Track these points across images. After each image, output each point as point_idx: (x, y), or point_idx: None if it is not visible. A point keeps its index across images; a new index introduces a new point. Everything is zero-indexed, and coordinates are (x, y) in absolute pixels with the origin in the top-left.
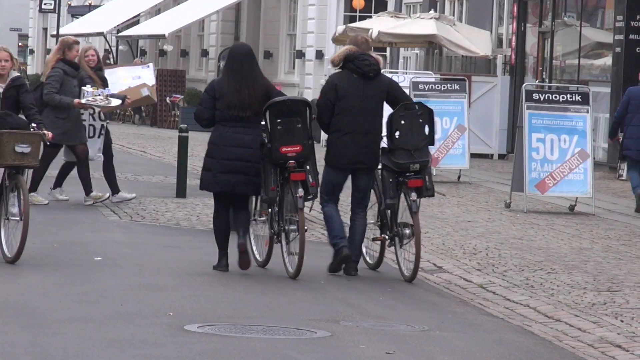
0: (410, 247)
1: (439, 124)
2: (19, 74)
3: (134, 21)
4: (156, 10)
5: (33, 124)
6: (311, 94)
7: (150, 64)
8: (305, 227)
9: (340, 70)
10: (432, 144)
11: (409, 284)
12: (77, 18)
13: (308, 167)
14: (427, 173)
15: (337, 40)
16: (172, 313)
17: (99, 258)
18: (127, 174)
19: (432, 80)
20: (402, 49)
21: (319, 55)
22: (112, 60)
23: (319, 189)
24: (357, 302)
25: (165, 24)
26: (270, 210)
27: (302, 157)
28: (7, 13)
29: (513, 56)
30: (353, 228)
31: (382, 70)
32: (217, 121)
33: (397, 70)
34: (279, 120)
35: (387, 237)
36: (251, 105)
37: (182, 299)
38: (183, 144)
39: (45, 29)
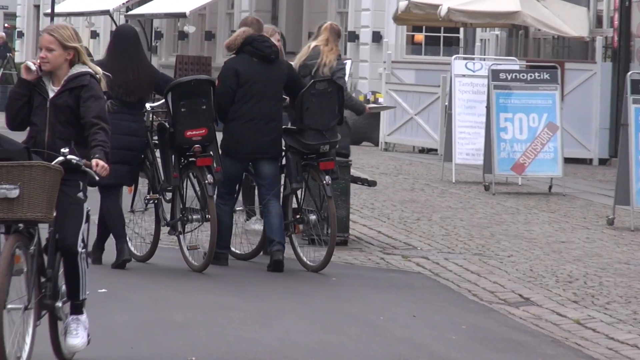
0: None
1: (525, 122)
2: (84, 70)
3: None
4: None
5: (77, 160)
6: (367, 86)
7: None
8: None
9: (235, 54)
10: (341, 123)
11: (487, 320)
12: None
13: (212, 152)
14: (333, 154)
15: (398, 19)
16: (194, 358)
17: (103, 290)
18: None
19: (516, 68)
20: (478, 30)
21: (377, 37)
22: None
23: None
24: (424, 341)
25: (186, 0)
26: (160, 199)
27: (208, 140)
28: None
29: (615, 38)
30: (268, 214)
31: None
32: None
33: (472, 56)
34: (182, 102)
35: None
36: (135, 89)
37: (206, 340)
38: None
39: (37, 7)
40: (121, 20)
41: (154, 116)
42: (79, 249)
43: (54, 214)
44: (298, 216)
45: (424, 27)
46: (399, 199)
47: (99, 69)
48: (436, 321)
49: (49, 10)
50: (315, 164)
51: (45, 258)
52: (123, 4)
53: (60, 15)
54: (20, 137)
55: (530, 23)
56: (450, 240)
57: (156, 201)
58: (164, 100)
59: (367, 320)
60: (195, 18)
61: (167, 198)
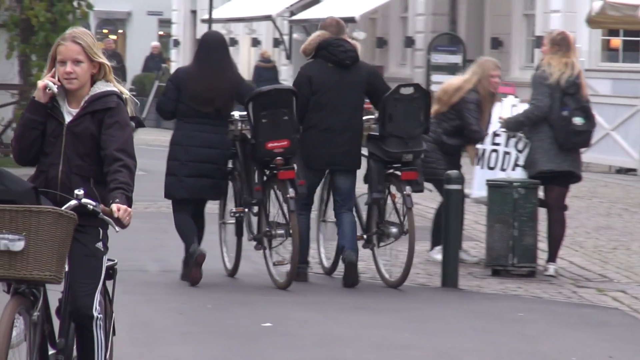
0: (390, 248)
1: None
2: (110, 89)
3: (313, 0)
4: None
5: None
6: None
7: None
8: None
9: (312, 59)
10: (427, 132)
11: None
12: None
13: (295, 165)
14: (418, 165)
15: (592, 21)
16: None
17: (268, 324)
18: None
19: None
20: None
21: None
22: (285, 52)
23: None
24: None
25: (355, 3)
26: (246, 212)
27: (290, 152)
28: None
29: None
30: (342, 225)
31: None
32: (179, 115)
33: None
34: (263, 113)
35: (363, 236)
36: (214, 100)
37: None
38: None
39: (193, 12)
40: (284, 27)
41: (243, 125)
42: (95, 313)
43: (66, 270)
44: (378, 229)
45: (621, 31)
46: (593, 225)
47: (125, 90)
48: (588, 332)
49: (206, 16)
50: (397, 174)
51: (57, 324)
52: (286, 8)
53: (218, 21)
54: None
55: None
56: None
57: (242, 214)
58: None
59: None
60: (366, 23)
61: (255, 211)
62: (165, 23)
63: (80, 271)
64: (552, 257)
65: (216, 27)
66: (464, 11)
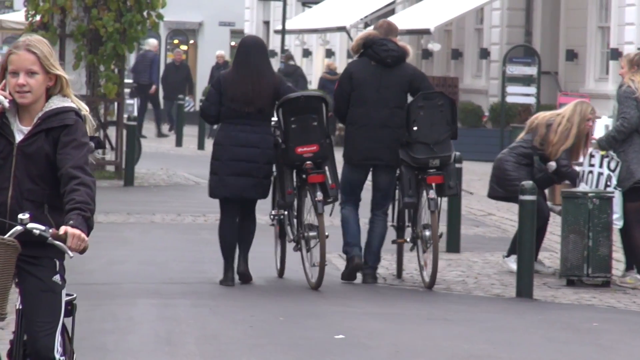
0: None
1: None
2: (68, 105)
3: (388, 11)
4: None
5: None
6: None
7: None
8: (327, 234)
9: (358, 57)
10: (455, 137)
11: None
12: (310, 7)
13: (327, 168)
14: (450, 170)
15: None
16: None
17: (340, 336)
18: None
19: None
20: None
21: None
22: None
23: (339, 191)
24: None
25: (430, 14)
26: (286, 215)
27: (320, 157)
28: (215, 2)
29: None
30: (371, 231)
31: (408, 59)
32: (222, 118)
33: None
34: (293, 118)
35: (407, 240)
36: (254, 100)
37: None
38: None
39: (266, 23)
40: None
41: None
42: (56, 355)
43: (19, 307)
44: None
45: None
46: None
47: (84, 106)
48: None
49: (279, 27)
50: (424, 178)
51: None
52: (361, 19)
53: (292, 32)
54: None
55: None
56: None
57: (281, 217)
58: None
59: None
60: (441, 34)
61: (295, 214)
62: (238, 34)
63: (38, 309)
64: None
65: (290, 38)
66: (539, 23)
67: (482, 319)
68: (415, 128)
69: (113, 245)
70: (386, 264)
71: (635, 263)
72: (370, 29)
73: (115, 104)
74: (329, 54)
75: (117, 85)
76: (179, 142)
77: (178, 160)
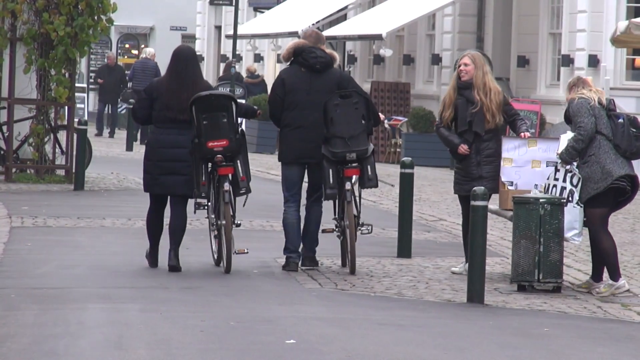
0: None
1: None
2: None
3: (340, 16)
4: (369, 2)
5: None
6: None
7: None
8: (239, 222)
9: (289, 65)
10: (371, 133)
11: None
12: (262, 12)
13: (239, 162)
14: (368, 163)
15: (617, 40)
16: None
17: (291, 341)
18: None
19: None
20: None
21: (593, 61)
22: None
23: (249, 184)
24: None
25: (381, 20)
26: (209, 205)
27: (230, 151)
28: (167, 6)
29: None
30: (307, 217)
31: (335, 65)
32: (154, 122)
33: None
34: (204, 115)
35: (335, 229)
36: (187, 109)
37: None
38: (406, 183)
39: (218, 28)
40: None
41: None
42: None
43: None
44: (336, 222)
45: None
46: (618, 240)
47: None
48: None
49: (231, 32)
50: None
51: None
52: (313, 24)
53: (243, 37)
54: None
55: None
56: None
57: (205, 207)
58: None
59: None
60: (393, 40)
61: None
62: (189, 38)
63: None
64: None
65: (241, 42)
66: (491, 29)
67: (434, 325)
68: (332, 124)
69: (63, 249)
70: (334, 277)
71: (607, 268)
72: (297, 40)
73: (66, 108)
74: (281, 59)
75: (68, 90)
76: (129, 147)
77: (128, 165)
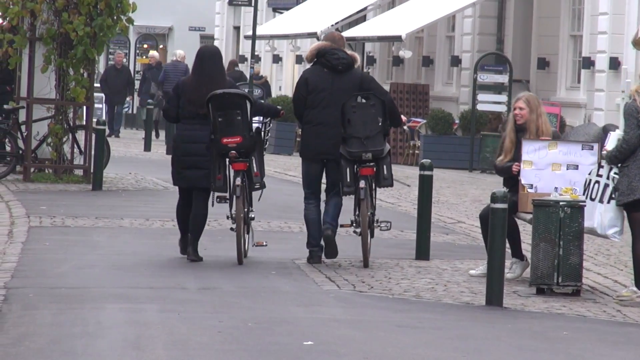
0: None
1: None
2: None
3: (359, 17)
4: (388, 3)
5: None
6: (603, 118)
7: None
8: (253, 216)
9: (312, 65)
10: (387, 134)
11: None
12: (281, 13)
13: (254, 158)
14: (384, 163)
15: (638, 43)
16: None
17: (309, 342)
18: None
19: None
20: None
21: (614, 64)
22: None
23: (264, 180)
24: None
25: (401, 21)
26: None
27: (244, 148)
28: (186, 7)
29: None
30: (327, 204)
31: (356, 65)
32: (180, 118)
33: None
34: (219, 113)
35: (352, 223)
36: (205, 104)
37: None
38: (425, 185)
39: (236, 28)
40: None
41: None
42: None
43: None
44: (353, 219)
45: None
46: None
47: None
48: None
49: (250, 33)
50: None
51: None
52: (332, 25)
53: (262, 37)
54: None
55: None
56: None
57: (226, 201)
58: None
59: None
60: (412, 42)
61: (238, 195)
62: (208, 39)
63: None
64: None
65: (260, 43)
66: (511, 31)
67: (452, 327)
68: (349, 125)
69: (81, 249)
70: (352, 278)
71: (635, 274)
72: (321, 42)
73: (84, 108)
74: (300, 59)
75: (86, 89)
76: (147, 147)
77: (147, 165)
